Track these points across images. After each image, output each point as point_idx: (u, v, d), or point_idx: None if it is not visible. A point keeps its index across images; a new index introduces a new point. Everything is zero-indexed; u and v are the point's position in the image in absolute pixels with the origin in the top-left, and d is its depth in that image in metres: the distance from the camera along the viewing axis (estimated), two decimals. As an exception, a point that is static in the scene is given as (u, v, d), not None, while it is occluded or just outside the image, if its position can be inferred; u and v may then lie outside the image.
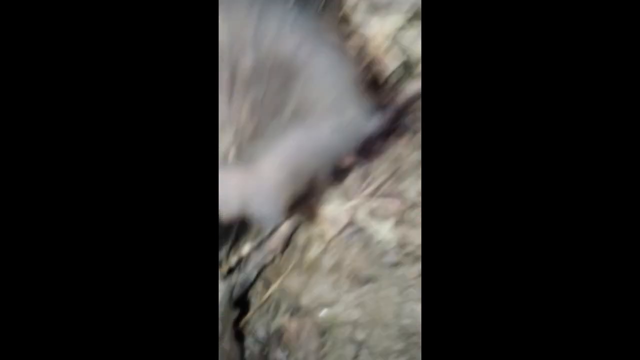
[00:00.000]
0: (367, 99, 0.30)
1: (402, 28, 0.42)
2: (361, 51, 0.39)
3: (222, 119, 0.29)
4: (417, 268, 0.38)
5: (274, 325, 0.42)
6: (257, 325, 0.42)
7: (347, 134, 0.29)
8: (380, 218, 0.39)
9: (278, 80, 0.28)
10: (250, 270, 0.43)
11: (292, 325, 0.42)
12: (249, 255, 0.43)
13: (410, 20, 0.44)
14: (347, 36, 0.39)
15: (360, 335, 0.40)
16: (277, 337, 0.42)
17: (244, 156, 0.30)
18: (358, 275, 0.40)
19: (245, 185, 0.30)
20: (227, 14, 0.28)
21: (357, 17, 0.42)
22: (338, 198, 0.40)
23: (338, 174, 0.39)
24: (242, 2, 0.30)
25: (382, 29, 0.41)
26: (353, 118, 0.28)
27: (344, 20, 0.40)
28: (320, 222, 0.39)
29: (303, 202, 0.36)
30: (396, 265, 0.39)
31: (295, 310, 0.42)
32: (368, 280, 0.40)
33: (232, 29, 0.29)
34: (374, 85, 0.39)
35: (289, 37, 0.29)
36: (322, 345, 0.40)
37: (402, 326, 0.38)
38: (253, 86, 0.29)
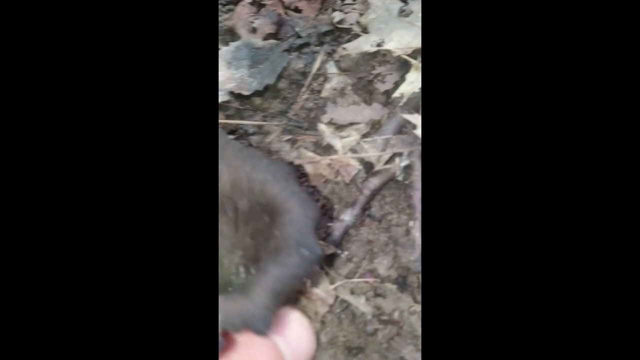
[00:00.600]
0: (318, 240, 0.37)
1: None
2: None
3: (230, 244, 0.38)
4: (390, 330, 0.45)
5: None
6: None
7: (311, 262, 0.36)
8: (358, 294, 0.47)
9: (267, 217, 0.37)
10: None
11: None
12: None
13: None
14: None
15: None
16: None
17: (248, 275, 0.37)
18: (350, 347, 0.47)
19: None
20: (227, 168, 0.38)
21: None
22: (324, 282, 0.48)
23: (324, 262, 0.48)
24: (237, 160, 0.39)
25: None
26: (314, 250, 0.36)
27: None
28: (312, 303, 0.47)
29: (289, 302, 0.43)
30: (374, 333, 0.46)
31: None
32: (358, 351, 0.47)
33: (231, 179, 0.38)
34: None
35: (273, 185, 0.38)
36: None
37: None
38: (251, 220, 0.37)
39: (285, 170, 0.38)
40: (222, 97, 0.63)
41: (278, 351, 0.35)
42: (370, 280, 0.48)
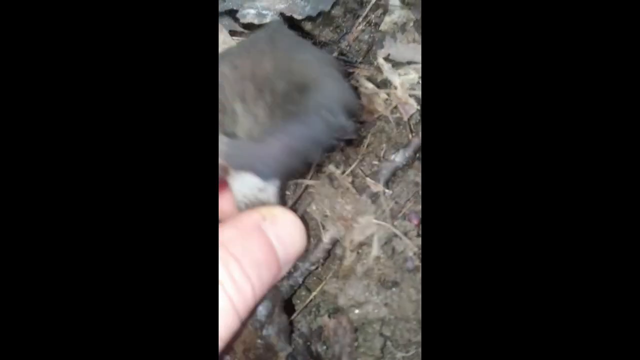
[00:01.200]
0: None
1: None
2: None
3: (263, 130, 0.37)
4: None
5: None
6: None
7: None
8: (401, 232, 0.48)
9: (300, 94, 0.37)
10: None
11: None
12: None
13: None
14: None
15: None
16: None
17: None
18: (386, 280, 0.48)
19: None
20: (273, 51, 0.38)
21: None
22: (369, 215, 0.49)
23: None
24: (285, 43, 0.40)
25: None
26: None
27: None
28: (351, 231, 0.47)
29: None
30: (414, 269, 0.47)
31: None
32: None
33: (274, 62, 0.38)
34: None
35: (313, 66, 0.38)
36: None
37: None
38: (286, 102, 0.37)
39: (328, 57, 0.39)
40: (272, 17, 0.60)
41: (271, 245, 0.36)
42: (415, 221, 0.48)
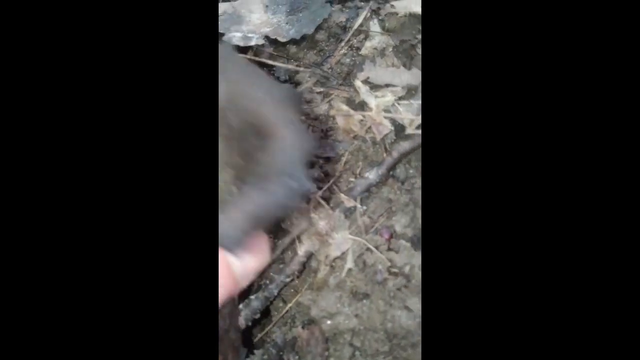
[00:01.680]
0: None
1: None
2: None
3: (222, 161, 0.35)
4: (400, 280, 0.48)
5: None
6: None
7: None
8: (372, 246, 0.50)
9: (257, 140, 0.34)
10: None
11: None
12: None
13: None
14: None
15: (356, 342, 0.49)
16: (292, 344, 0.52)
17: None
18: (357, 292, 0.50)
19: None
20: (226, 82, 0.34)
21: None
22: (344, 230, 0.51)
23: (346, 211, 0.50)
24: (239, 75, 0.36)
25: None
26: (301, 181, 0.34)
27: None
28: (326, 247, 0.50)
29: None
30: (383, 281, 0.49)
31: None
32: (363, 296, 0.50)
33: (228, 93, 0.34)
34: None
35: (270, 107, 0.35)
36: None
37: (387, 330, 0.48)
38: (241, 140, 0.34)
39: (285, 95, 0.35)
40: (257, 40, 0.63)
41: (227, 264, 0.35)
42: (386, 236, 0.50)
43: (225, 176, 0.39)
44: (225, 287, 0.34)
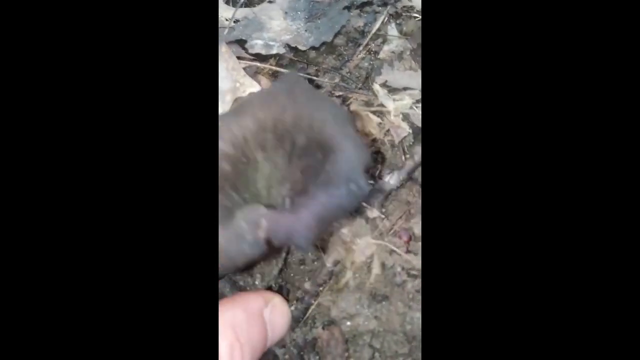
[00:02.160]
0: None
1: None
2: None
3: (281, 176, 0.41)
4: (418, 283, 0.48)
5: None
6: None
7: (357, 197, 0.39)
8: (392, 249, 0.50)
9: (321, 154, 0.40)
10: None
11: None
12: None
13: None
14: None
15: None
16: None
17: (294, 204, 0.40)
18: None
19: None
20: (293, 103, 0.40)
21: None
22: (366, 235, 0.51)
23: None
24: (304, 97, 0.41)
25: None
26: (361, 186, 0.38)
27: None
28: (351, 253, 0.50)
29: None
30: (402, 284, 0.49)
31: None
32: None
33: (294, 114, 0.41)
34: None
35: (332, 125, 0.40)
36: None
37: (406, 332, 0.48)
38: (305, 156, 0.40)
39: (344, 114, 0.40)
40: (278, 49, 0.65)
41: (266, 331, 0.39)
42: (405, 238, 0.51)
43: (282, 190, 0.42)
44: (258, 354, 0.37)
